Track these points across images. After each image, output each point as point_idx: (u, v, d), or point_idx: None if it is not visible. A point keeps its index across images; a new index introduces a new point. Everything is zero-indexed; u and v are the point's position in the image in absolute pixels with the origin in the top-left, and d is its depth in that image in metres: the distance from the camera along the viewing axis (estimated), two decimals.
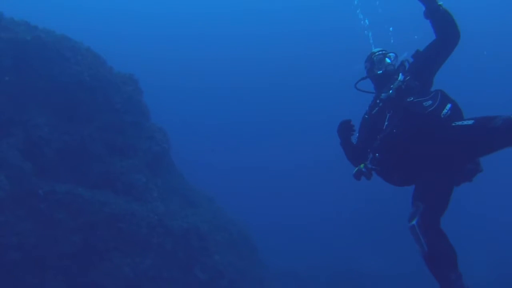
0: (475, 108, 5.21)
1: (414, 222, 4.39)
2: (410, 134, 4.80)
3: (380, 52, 5.53)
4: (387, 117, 5.06)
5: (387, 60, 5.41)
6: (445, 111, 4.74)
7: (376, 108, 5.26)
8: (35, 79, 9.55)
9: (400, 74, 5.23)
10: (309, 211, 25.76)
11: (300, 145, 33.68)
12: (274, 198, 27.22)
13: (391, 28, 6.33)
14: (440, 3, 5.10)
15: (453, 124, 4.65)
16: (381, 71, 5.41)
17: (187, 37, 40.24)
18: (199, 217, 11.49)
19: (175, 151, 12.88)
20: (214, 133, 33.90)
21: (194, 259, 10.74)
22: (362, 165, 5.19)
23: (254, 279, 12.84)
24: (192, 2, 40.97)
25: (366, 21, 6.55)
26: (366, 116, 5.42)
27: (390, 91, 5.11)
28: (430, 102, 4.80)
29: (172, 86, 35.98)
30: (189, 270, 10.58)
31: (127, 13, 39.27)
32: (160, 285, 9.82)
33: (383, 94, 5.21)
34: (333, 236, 21.66)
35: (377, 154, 5.04)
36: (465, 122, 4.63)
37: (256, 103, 38.53)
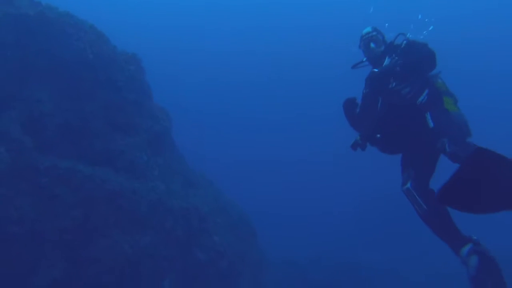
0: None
1: (408, 185, 4.82)
2: (393, 118, 5.21)
3: (367, 36, 5.78)
4: (380, 100, 5.44)
5: (372, 45, 5.68)
6: (421, 97, 5.08)
7: (367, 89, 5.61)
8: (38, 55, 9.53)
9: (387, 58, 5.53)
10: (312, 203, 25.81)
11: (305, 138, 33.74)
12: (277, 189, 27.28)
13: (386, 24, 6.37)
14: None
15: (425, 116, 4.99)
16: (365, 58, 5.80)
17: (194, 27, 40.06)
18: (200, 198, 11.51)
19: (176, 134, 12.89)
20: (218, 125, 33.89)
21: (194, 239, 10.76)
22: (358, 137, 5.46)
23: (254, 262, 12.88)
24: None
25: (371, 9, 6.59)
26: (364, 91, 5.71)
27: (374, 75, 5.44)
28: (407, 89, 5.15)
29: (178, 76, 35.87)
30: (188, 250, 10.61)
31: None
32: (159, 263, 9.84)
33: (369, 76, 5.55)
34: (335, 228, 21.71)
35: (378, 135, 5.29)
36: (430, 122, 4.95)
37: (261, 95, 38.49)
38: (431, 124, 4.95)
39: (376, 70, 5.51)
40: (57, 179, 8.78)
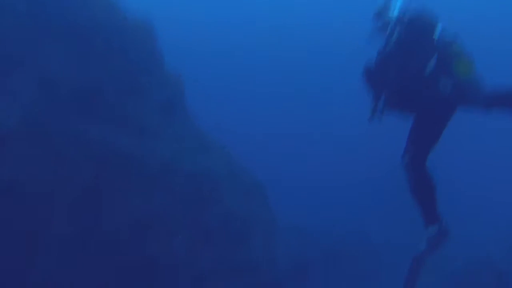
0: None
1: (406, 160, 5.24)
2: (403, 91, 5.29)
3: (379, 10, 5.74)
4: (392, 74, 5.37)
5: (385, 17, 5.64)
6: (428, 68, 5.09)
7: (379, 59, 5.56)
8: (50, 14, 9.60)
9: (396, 32, 5.43)
10: (325, 172, 25.77)
11: (318, 107, 33.53)
12: (290, 158, 27.24)
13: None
14: None
15: (437, 86, 5.03)
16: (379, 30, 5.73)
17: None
18: (212, 161, 11.60)
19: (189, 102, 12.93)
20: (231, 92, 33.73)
21: (205, 202, 10.90)
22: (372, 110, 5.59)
23: (265, 226, 12.99)
24: None
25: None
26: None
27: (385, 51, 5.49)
28: (416, 60, 5.13)
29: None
30: (200, 213, 10.75)
31: None
32: (171, 226, 10.00)
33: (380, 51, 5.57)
34: (349, 198, 21.71)
35: (388, 106, 5.46)
36: (445, 89, 5.01)
37: (278, 63, 38.07)
38: (447, 91, 5.03)
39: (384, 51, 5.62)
40: (68, 141, 8.93)
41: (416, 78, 5.12)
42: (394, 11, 5.62)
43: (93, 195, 9.04)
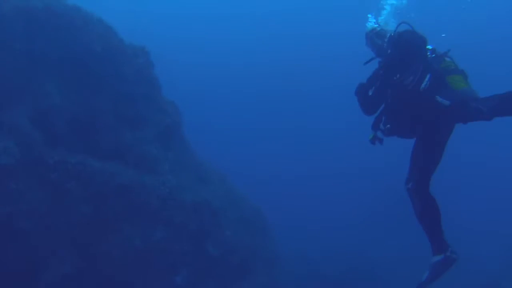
0: None
1: (410, 185, 5.23)
2: (403, 107, 5.34)
3: (371, 33, 5.94)
4: (389, 93, 5.51)
5: (378, 41, 5.84)
6: (424, 84, 5.10)
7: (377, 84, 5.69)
8: (46, 48, 9.41)
9: (389, 50, 5.56)
10: (324, 198, 25.63)
11: (316, 135, 33.60)
12: (290, 186, 27.09)
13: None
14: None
15: (435, 98, 5.04)
16: (374, 54, 5.90)
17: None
18: (211, 192, 11.36)
19: (187, 129, 12.74)
20: (231, 121, 33.80)
21: (206, 234, 10.63)
22: (373, 133, 5.77)
23: (266, 258, 12.74)
24: None
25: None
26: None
27: (380, 70, 5.65)
28: (410, 78, 5.19)
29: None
30: (200, 245, 10.47)
31: None
32: (171, 258, 9.74)
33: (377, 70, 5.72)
34: (349, 223, 21.54)
35: (388, 125, 5.56)
36: (444, 102, 5.00)
37: (270, 102, 38.27)
38: (446, 103, 5.00)
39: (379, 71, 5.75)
40: (67, 174, 8.67)
41: (412, 94, 5.17)
42: (386, 31, 5.82)
43: (92, 229, 8.77)
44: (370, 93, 5.78)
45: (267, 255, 12.83)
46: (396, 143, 5.81)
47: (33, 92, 8.90)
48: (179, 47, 37.64)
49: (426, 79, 5.11)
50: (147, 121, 10.69)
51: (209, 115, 33.01)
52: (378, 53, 5.85)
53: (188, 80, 34.73)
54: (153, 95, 11.20)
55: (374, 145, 5.84)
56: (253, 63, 38.94)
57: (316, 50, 38.85)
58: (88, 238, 8.71)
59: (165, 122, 10.99)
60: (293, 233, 18.39)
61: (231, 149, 28.61)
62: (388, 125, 5.54)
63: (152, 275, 9.24)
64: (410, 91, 5.18)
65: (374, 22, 6.02)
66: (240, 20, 41.48)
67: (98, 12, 10.71)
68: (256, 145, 31.99)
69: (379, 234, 20.16)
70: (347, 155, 28.28)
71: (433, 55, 5.42)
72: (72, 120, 9.33)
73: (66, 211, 8.50)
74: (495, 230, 20.04)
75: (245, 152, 29.67)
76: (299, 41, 40.21)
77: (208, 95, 36.12)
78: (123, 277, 8.78)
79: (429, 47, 5.47)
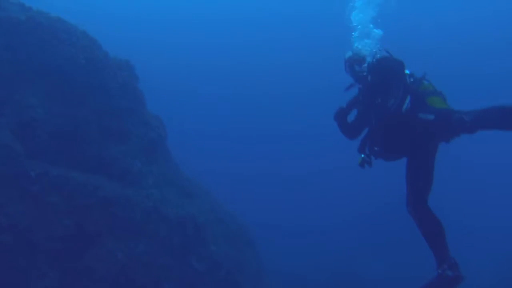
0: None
1: (410, 208, 5.21)
2: (386, 129, 5.40)
3: (349, 61, 5.98)
4: (372, 116, 5.58)
5: (356, 68, 5.89)
6: (405, 105, 5.24)
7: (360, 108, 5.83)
8: (29, 60, 9.33)
9: (369, 76, 5.66)
10: (312, 212, 25.56)
11: (304, 149, 33.56)
12: (276, 199, 27.00)
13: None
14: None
15: (418, 116, 5.15)
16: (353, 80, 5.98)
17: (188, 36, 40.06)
18: (196, 207, 11.27)
19: (171, 143, 12.65)
20: (216, 136, 33.70)
21: (190, 248, 10.50)
22: (363, 156, 5.76)
23: (252, 272, 12.62)
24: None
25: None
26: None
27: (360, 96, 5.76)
28: (392, 101, 5.30)
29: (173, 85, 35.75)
30: (184, 259, 10.34)
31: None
32: (154, 272, 9.58)
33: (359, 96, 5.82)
34: (336, 238, 21.47)
35: (376, 148, 5.61)
36: (428, 116, 5.09)
37: (258, 105, 38.34)
38: (430, 117, 5.09)
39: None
40: (49, 186, 8.54)
41: (395, 116, 5.25)
42: (364, 57, 5.87)
43: (74, 243, 8.61)
44: (353, 118, 5.89)
45: (253, 270, 12.71)
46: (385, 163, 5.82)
47: (15, 104, 8.80)
48: (167, 53, 37.67)
49: (407, 101, 5.24)
50: (131, 134, 10.60)
51: (201, 121, 32.91)
52: (357, 79, 5.92)
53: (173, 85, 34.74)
54: (137, 108, 11.12)
55: (363, 169, 5.81)
56: (243, 69, 38.98)
57: (305, 51, 38.97)
58: (70, 252, 8.55)
59: (149, 135, 10.90)
60: (281, 248, 18.27)
61: (214, 162, 28.46)
62: (376, 148, 5.58)
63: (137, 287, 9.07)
64: (393, 114, 5.27)
65: (352, 52, 6.06)
66: (228, 26, 41.39)
67: (83, 16, 10.66)
68: (244, 157, 31.84)
69: (369, 251, 20.08)
70: (338, 170, 28.19)
71: (412, 79, 5.51)
72: (55, 132, 9.21)
73: (47, 224, 8.34)
74: (486, 247, 20.05)
75: (231, 165, 29.53)
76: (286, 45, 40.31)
77: (198, 101, 36.05)
78: None
79: (407, 71, 5.57)
